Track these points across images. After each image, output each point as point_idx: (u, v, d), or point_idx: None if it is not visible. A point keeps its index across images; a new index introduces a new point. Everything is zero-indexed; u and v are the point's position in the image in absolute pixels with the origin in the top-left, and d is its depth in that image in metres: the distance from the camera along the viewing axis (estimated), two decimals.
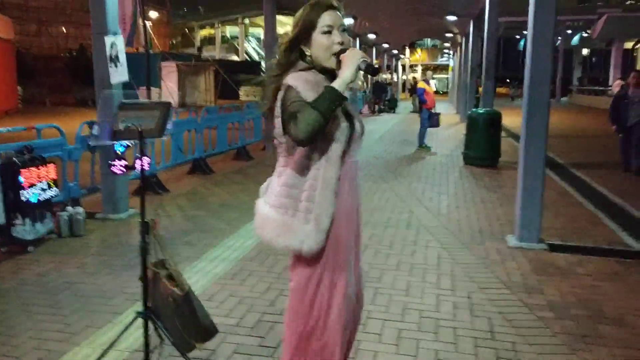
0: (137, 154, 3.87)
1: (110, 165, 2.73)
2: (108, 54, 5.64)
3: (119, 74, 5.82)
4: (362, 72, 1.95)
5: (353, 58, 1.92)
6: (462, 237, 5.52)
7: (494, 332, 3.45)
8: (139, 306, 3.58)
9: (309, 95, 1.88)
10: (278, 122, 2.00)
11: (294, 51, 2.04)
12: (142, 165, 2.58)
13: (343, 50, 1.98)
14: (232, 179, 8.60)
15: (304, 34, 2.02)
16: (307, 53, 2.05)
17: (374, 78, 28.90)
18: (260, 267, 4.53)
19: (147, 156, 2.90)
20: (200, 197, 7.30)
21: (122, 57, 5.84)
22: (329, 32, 2.00)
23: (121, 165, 2.74)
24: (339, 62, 1.96)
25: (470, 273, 4.47)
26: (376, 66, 1.99)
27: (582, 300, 3.95)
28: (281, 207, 1.99)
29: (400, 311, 3.71)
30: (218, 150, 9.93)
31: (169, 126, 2.70)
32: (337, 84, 1.87)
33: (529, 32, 5.08)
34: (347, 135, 2.01)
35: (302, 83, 1.93)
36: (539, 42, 4.97)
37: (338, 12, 2.03)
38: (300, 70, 2.01)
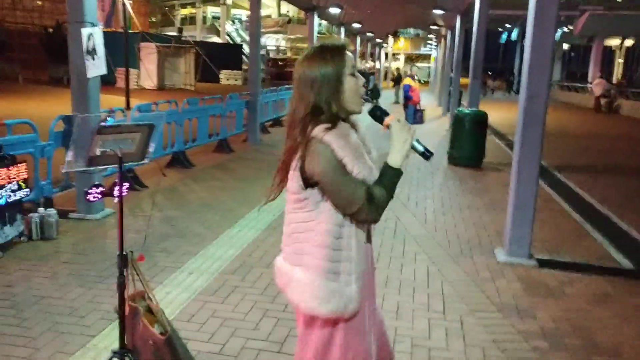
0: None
1: (86, 193, 2.48)
2: (85, 46, 5.31)
3: (97, 68, 5.50)
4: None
5: (406, 135, 1.85)
6: (450, 249, 5.38)
7: None
8: (113, 329, 3.39)
9: (347, 153, 1.76)
10: (296, 176, 1.80)
11: (327, 101, 1.83)
12: (120, 192, 2.34)
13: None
14: (213, 175, 8.33)
15: (339, 80, 1.82)
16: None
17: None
18: (242, 281, 4.32)
19: (127, 182, 2.66)
20: (179, 195, 7.04)
21: (100, 50, 5.52)
22: (354, 75, 1.85)
23: (97, 193, 2.49)
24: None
25: (461, 292, 4.33)
26: (429, 150, 1.92)
27: (575, 327, 3.84)
28: (322, 271, 1.82)
29: (392, 338, 3.54)
30: (198, 142, 9.62)
31: (151, 148, 2.46)
32: (398, 164, 1.83)
33: (526, 43, 4.92)
34: None
35: (334, 138, 1.77)
36: (538, 52, 4.80)
37: (350, 52, 1.91)
38: (325, 122, 1.81)
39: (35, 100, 18.50)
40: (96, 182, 2.55)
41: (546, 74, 4.83)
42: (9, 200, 4.72)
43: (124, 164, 2.37)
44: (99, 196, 2.49)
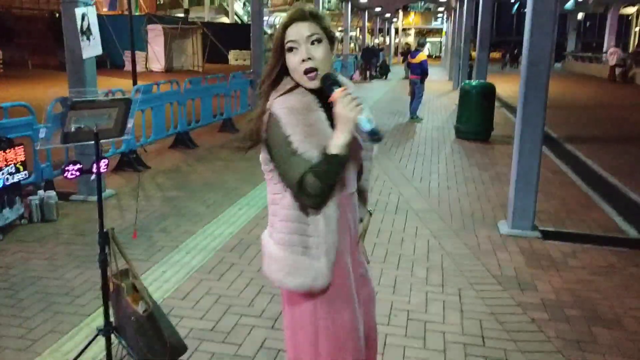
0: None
1: (64, 170, 2.44)
2: (79, 26, 5.25)
3: (92, 48, 5.45)
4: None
5: (349, 113, 1.58)
6: (453, 222, 5.30)
7: (485, 337, 3.26)
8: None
9: (295, 130, 1.64)
10: (264, 148, 1.74)
11: (276, 75, 1.76)
12: (98, 169, 2.30)
13: (320, 71, 1.68)
14: (217, 155, 8.29)
15: (276, 55, 1.73)
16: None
17: (366, 43, 28.22)
18: (240, 259, 4.30)
19: (105, 158, 2.62)
20: (181, 175, 7.02)
21: (95, 30, 5.46)
22: (294, 49, 1.69)
23: (75, 170, 2.46)
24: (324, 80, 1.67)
25: (461, 266, 4.27)
26: (378, 131, 1.59)
27: (577, 299, 3.76)
28: (288, 245, 1.75)
29: (387, 312, 3.51)
30: (202, 122, 9.57)
31: (130, 124, 2.40)
32: (335, 149, 1.59)
33: (528, 6, 4.76)
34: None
35: (285, 113, 1.66)
36: (540, 17, 4.65)
37: (308, 22, 1.70)
38: (287, 91, 1.72)
39: (45, 85, 18.54)
40: (74, 159, 2.51)
41: (548, 40, 4.68)
42: (7, 183, 4.72)
43: (102, 140, 2.32)
44: (77, 173, 2.46)
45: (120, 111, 2.36)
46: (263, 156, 1.76)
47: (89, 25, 5.46)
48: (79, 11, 5.34)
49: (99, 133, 2.27)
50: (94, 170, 2.37)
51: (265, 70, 1.78)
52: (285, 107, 1.66)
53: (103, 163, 2.38)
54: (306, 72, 1.68)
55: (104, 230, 2.41)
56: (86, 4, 5.45)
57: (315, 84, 1.70)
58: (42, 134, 2.28)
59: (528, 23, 4.72)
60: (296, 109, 1.66)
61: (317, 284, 1.74)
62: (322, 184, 1.60)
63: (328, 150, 1.61)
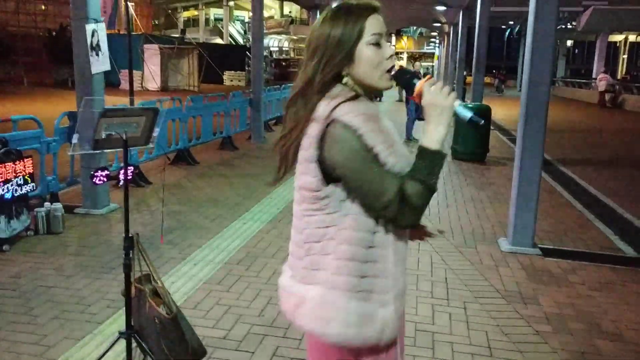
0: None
1: (92, 176, 2.52)
2: (89, 42, 5.36)
3: (100, 64, 5.55)
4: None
5: (444, 102, 1.41)
6: (454, 239, 5.39)
7: (492, 347, 3.33)
8: (120, 315, 3.43)
9: (377, 141, 1.39)
10: (313, 168, 1.42)
11: (332, 75, 1.46)
12: (125, 176, 2.37)
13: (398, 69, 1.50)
14: (217, 171, 8.37)
15: (346, 49, 1.44)
16: (343, 73, 1.48)
17: None
18: (247, 271, 4.36)
19: (132, 165, 2.71)
20: (183, 190, 7.08)
21: (104, 46, 5.57)
22: (377, 44, 1.45)
23: (102, 176, 2.53)
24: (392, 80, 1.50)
25: (464, 280, 4.35)
26: (480, 115, 1.48)
27: (579, 313, 3.85)
28: (351, 289, 1.44)
29: None
30: (203, 140, 9.66)
31: (155, 133, 2.49)
32: (436, 144, 1.41)
33: (528, 30, 4.93)
34: None
35: (363, 120, 1.38)
36: (540, 39, 4.81)
37: (381, 17, 1.49)
38: (347, 99, 1.42)
39: (40, 102, 18.61)
40: (102, 165, 2.59)
41: (547, 62, 4.84)
42: (15, 195, 4.77)
43: (129, 148, 2.40)
44: (105, 179, 2.53)
45: (147, 120, 2.45)
46: (311, 180, 1.44)
47: (98, 41, 5.57)
48: (89, 27, 5.46)
49: (127, 141, 2.35)
50: (121, 176, 2.44)
51: (312, 68, 1.45)
52: (361, 114, 1.39)
53: (130, 170, 2.46)
54: (390, 70, 1.48)
55: (129, 235, 2.47)
56: (96, 21, 5.56)
57: (391, 84, 1.50)
58: (75, 139, 2.35)
59: (528, 45, 4.89)
60: (373, 116, 1.42)
61: (384, 337, 1.47)
62: (427, 189, 1.38)
63: (427, 146, 1.40)
